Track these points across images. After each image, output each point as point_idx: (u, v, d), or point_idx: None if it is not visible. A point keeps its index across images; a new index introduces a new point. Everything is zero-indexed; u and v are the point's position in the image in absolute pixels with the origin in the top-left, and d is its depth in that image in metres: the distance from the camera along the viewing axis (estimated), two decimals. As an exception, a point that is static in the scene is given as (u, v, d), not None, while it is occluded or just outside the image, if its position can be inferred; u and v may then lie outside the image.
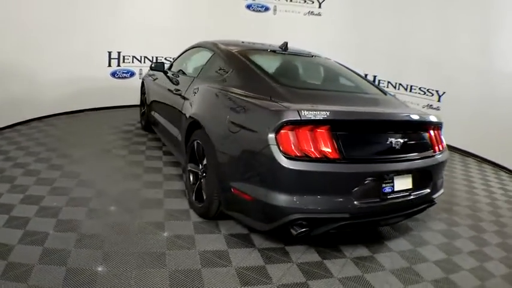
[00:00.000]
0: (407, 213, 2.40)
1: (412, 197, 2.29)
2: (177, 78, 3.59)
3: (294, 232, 2.04)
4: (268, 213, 2.06)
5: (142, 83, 4.85)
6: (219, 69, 2.91)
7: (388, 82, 5.82)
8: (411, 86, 5.63)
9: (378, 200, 2.14)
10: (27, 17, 4.28)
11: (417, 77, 5.53)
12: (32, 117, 4.68)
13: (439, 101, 5.34)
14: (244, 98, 2.30)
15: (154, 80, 4.24)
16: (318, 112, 1.96)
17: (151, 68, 4.05)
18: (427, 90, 5.46)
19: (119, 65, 5.55)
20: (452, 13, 5.07)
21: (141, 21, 5.41)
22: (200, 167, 2.62)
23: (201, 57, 3.38)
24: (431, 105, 5.35)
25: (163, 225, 2.42)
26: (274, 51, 3.17)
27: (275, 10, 6.06)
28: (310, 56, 3.36)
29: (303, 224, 2.03)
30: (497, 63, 4.73)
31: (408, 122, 2.30)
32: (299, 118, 1.94)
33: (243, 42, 3.53)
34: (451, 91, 5.21)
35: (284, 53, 3.22)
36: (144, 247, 2.15)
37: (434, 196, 2.46)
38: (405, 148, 2.22)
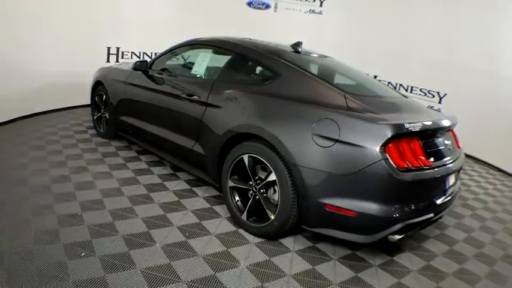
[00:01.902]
0: None
1: (453, 189, 2.54)
2: (175, 80, 3.18)
3: (394, 238, 2.05)
4: (375, 226, 2.06)
5: (98, 83, 4.09)
6: (255, 74, 2.66)
7: (389, 82, 5.72)
8: (412, 87, 5.53)
9: (444, 196, 2.34)
10: (22, 11, 4.20)
11: (418, 78, 5.44)
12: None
13: (440, 102, 5.25)
14: (331, 110, 2.15)
15: (126, 80, 3.61)
16: (414, 124, 2.07)
17: (135, 68, 3.43)
18: (428, 91, 5.37)
19: (117, 61, 5.49)
20: (455, 14, 5.02)
21: (140, 17, 5.39)
22: (252, 183, 2.41)
23: (212, 57, 3.02)
24: (432, 106, 5.20)
25: (229, 255, 2.19)
26: (298, 52, 2.93)
27: (276, 7, 6.02)
28: (325, 57, 3.19)
29: (402, 230, 2.07)
30: (499, 65, 4.67)
31: (450, 126, 2.46)
32: (404, 131, 2.00)
33: (250, 39, 3.25)
34: (453, 93, 5.11)
35: (309, 55, 3.00)
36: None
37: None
38: (451, 148, 2.46)
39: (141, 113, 3.50)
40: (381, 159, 1.95)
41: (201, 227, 2.49)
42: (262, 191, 2.38)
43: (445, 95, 5.22)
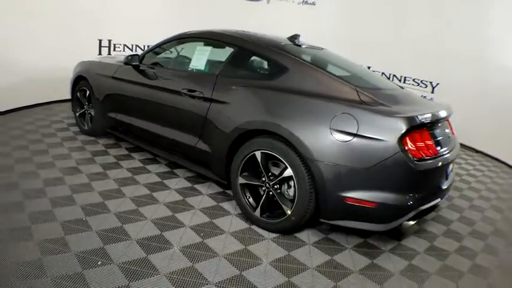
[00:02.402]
0: None
1: (452, 174, 2.68)
2: (171, 75, 3.06)
3: (408, 224, 2.15)
4: (393, 215, 2.14)
5: (79, 78, 3.84)
6: (261, 68, 2.61)
7: (382, 73, 5.77)
8: (405, 78, 5.62)
9: (447, 181, 2.48)
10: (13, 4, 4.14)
11: (411, 68, 5.54)
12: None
13: (432, 92, 5.36)
14: (348, 104, 2.15)
15: (115, 74, 3.42)
16: (425, 116, 2.17)
17: (126, 62, 3.24)
18: (421, 81, 5.48)
19: (109, 54, 5.39)
20: (446, 4, 5.11)
21: (133, 9, 5.31)
22: (265, 179, 2.39)
23: (211, 51, 2.90)
24: (424, 96, 5.27)
25: (249, 253, 2.18)
26: (299, 45, 2.88)
27: None
28: (321, 49, 3.16)
29: (415, 216, 2.18)
30: (490, 54, 4.77)
31: (449, 115, 2.52)
32: (417, 123, 2.09)
33: (243, 31, 3.14)
34: (445, 82, 5.23)
35: (309, 48, 2.96)
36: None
37: None
38: (450, 136, 2.58)
39: (133, 109, 3.34)
40: (399, 151, 2.01)
41: (213, 226, 2.44)
42: (276, 186, 2.38)
43: (438, 84, 5.32)
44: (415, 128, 2.09)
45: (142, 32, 5.54)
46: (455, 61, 5.05)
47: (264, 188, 2.43)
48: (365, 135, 2.05)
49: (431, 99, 5.21)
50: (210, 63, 2.97)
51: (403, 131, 2.02)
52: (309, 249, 2.29)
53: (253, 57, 2.77)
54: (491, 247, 2.59)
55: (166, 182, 3.06)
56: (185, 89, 2.82)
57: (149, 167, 3.33)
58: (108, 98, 3.58)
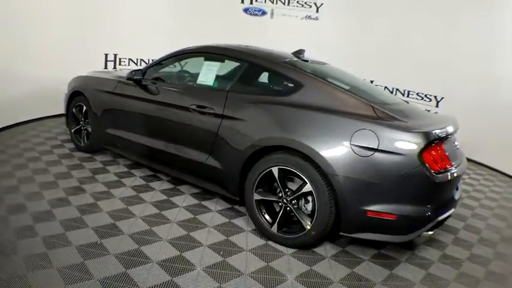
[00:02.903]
0: None
1: (460, 185, 2.79)
2: (178, 90, 3.05)
3: (427, 235, 2.27)
4: (412, 226, 2.22)
5: (75, 93, 3.73)
6: (274, 84, 2.64)
7: (385, 87, 5.71)
8: (408, 91, 5.58)
9: (458, 191, 2.62)
10: (15, 16, 4.18)
11: (415, 82, 5.51)
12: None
13: (437, 106, 5.31)
14: (368, 120, 2.21)
15: (115, 90, 3.35)
16: (440, 130, 2.28)
17: (130, 78, 3.19)
18: (425, 95, 5.43)
19: (114, 68, 5.49)
20: (451, 18, 5.10)
21: (138, 24, 5.44)
22: (282, 194, 2.41)
23: (220, 67, 2.90)
24: (429, 110, 5.04)
25: (272, 270, 2.18)
26: (306, 60, 2.95)
27: (272, 14, 5.99)
28: (323, 63, 3.23)
29: (433, 226, 2.27)
30: (496, 69, 4.71)
31: (456, 129, 2.59)
32: (435, 137, 2.20)
33: (247, 46, 3.16)
34: (450, 96, 5.18)
35: (316, 64, 3.00)
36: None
37: None
38: (458, 148, 2.68)
39: (135, 125, 3.28)
40: (419, 165, 2.09)
41: (231, 244, 2.42)
42: (293, 201, 2.39)
43: (442, 98, 5.29)
44: (432, 142, 2.18)
45: (147, 46, 5.61)
46: (460, 75, 4.99)
47: (280, 204, 2.45)
48: (386, 150, 2.12)
49: (435, 113, 5.12)
50: (218, 78, 2.98)
51: (423, 146, 2.11)
52: (328, 262, 2.32)
53: (265, 73, 2.80)
54: (502, 254, 2.68)
55: (173, 199, 3.01)
56: (194, 105, 2.80)
57: (152, 184, 3.27)
58: (106, 113, 3.50)
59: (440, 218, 2.28)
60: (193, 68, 3.22)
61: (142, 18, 5.52)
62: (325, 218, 2.26)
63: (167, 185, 3.28)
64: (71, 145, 4.00)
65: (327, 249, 2.46)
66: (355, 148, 2.16)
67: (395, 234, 2.23)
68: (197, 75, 3.07)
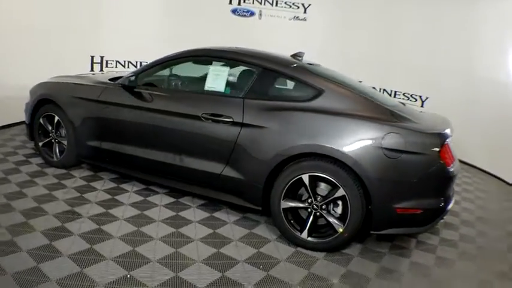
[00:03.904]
0: None
1: None
2: (180, 97, 2.85)
3: (441, 221, 2.49)
4: (433, 217, 2.43)
5: (43, 101, 3.25)
6: (291, 90, 2.61)
7: (373, 87, 5.47)
8: (395, 92, 5.69)
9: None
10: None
11: (401, 83, 5.58)
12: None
13: (422, 106, 5.42)
14: (394, 124, 2.34)
15: (99, 97, 3.00)
16: (449, 130, 2.50)
17: (127, 85, 2.84)
18: (411, 95, 5.56)
19: (101, 70, 5.35)
20: (435, 20, 5.25)
21: (125, 26, 5.30)
22: (312, 200, 2.44)
23: (228, 72, 2.76)
24: (421, 111, 5.02)
25: (317, 276, 2.20)
26: (311, 64, 2.96)
27: (260, 15, 5.84)
28: (318, 65, 3.19)
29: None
30: (478, 69, 4.87)
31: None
32: (448, 136, 2.43)
33: (237, 48, 3.05)
34: (434, 96, 5.31)
35: (315, 65, 3.02)
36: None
37: None
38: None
39: (129, 136, 2.98)
40: (439, 162, 2.30)
41: (265, 256, 2.37)
42: (323, 207, 2.43)
43: (427, 98, 5.46)
44: (445, 140, 2.40)
45: (135, 48, 5.44)
46: (444, 75, 5.16)
47: (309, 210, 2.47)
48: (411, 151, 2.28)
49: (420, 112, 5.16)
50: (229, 84, 2.82)
51: (441, 145, 2.31)
52: (358, 260, 2.42)
53: (280, 79, 2.74)
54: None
55: (182, 214, 2.82)
56: (206, 114, 2.64)
57: (151, 199, 3.02)
58: (88, 124, 3.10)
59: (449, 207, 2.53)
60: (192, 72, 3.02)
61: (129, 20, 5.36)
62: (357, 220, 2.35)
63: (167, 199, 3.05)
64: (37, 160, 3.50)
65: (351, 249, 2.55)
66: (385, 151, 2.27)
67: (419, 226, 2.43)
68: (200, 80, 2.89)
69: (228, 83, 2.81)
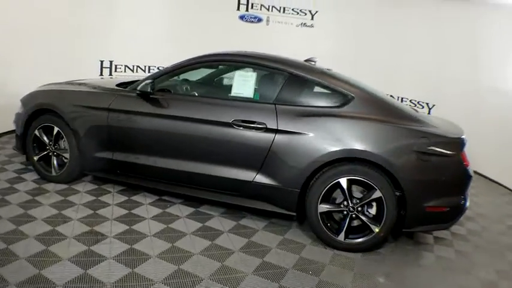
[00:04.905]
0: None
1: None
2: (206, 104, 2.72)
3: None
4: (457, 214, 2.58)
5: (39, 112, 2.95)
6: (321, 95, 2.65)
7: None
8: (402, 98, 5.71)
9: None
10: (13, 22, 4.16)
11: (408, 89, 5.62)
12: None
13: (429, 113, 5.44)
14: (424, 128, 2.48)
15: (110, 105, 2.80)
16: (465, 134, 2.65)
17: (143, 92, 2.64)
18: (418, 102, 5.60)
19: (110, 74, 5.42)
20: (443, 27, 5.30)
21: (134, 31, 5.36)
22: (348, 203, 2.50)
23: (256, 78, 2.71)
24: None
25: (365, 275, 2.31)
26: (329, 69, 2.99)
27: (268, 21, 5.82)
28: (329, 70, 3.16)
29: None
30: (486, 78, 4.94)
31: None
32: (466, 140, 2.58)
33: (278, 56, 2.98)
34: (441, 104, 5.34)
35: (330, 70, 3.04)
36: None
37: None
38: None
39: (149, 146, 2.81)
40: (462, 163, 2.49)
41: (308, 261, 2.39)
42: (359, 209, 2.50)
43: (434, 105, 5.51)
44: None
45: (143, 52, 5.50)
46: (452, 83, 5.21)
47: (345, 212, 2.52)
48: (439, 153, 2.43)
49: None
50: (259, 90, 2.77)
51: (463, 147, 2.50)
52: (392, 259, 2.54)
53: (309, 85, 2.74)
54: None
55: (209, 224, 2.73)
56: (238, 120, 2.58)
57: (170, 210, 2.88)
58: (97, 135, 2.87)
59: (467, 205, 2.72)
60: (212, 77, 2.90)
61: (138, 25, 5.40)
62: (392, 219, 2.47)
63: (187, 209, 2.93)
64: (31, 175, 3.16)
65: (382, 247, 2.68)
66: (418, 154, 2.40)
67: (444, 222, 2.59)
68: (222, 85, 2.80)
69: (258, 89, 2.77)
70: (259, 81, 2.80)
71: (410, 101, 5.79)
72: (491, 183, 4.81)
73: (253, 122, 2.58)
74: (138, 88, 2.74)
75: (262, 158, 2.59)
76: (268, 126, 2.55)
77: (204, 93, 3.13)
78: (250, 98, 2.73)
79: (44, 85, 3.24)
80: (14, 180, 3.06)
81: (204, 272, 2.15)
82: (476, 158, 4.91)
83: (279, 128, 2.54)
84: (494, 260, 2.72)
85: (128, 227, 2.55)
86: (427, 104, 5.65)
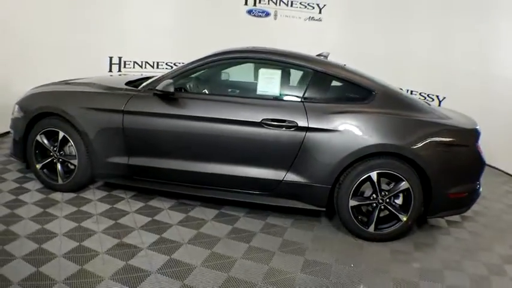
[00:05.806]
0: None
1: None
2: (232, 103, 2.64)
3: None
4: (474, 199, 2.79)
5: (41, 115, 2.70)
6: (345, 92, 2.67)
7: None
8: (412, 91, 5.55)
9: None
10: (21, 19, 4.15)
11: (418, 82, 5.51)
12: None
13: (439, 105, 5.30)
14: (443, 121, 2.61)
15: (125, 107, 2.61)
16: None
17: (164, 92, 2.46)
18: (428, 95, 5.48)
19: (119, 71, 5.43)
20: (452, 20, 5.19)
21: (142, 27, 5.33)
22: (378, 196, 2.57)
23: (278, 74, 2.64)
24: None
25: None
26: (344, 64, 2.99)
27: (276, 15, 5.70)
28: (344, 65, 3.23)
29: None
30: (495, 69, 4.83)
31: None
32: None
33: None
34: (451, 96, 5.21)
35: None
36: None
37: None
38: None
39: (170, 149, 2.67)
40: (477, 152, 2.66)
41: (346, 254, 2.44)
42: (388, 200, 2.58)
43: (444, 98, 5.39)
44: None
45: (152, 48, 5.44)
46: (462, 75, 5.09)
47: (374, 204, 2.60)
48: (459, 143, 2.60)
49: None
50: (285, 88, 2.74)
51: (479, 137, 2.68)
52: (417, 244, 2.67)
53: (333, 81, 2.74)
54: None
55: (239, 226, 2.68)
56: (268, 119, 2.52)
57: (193, 214, 2.79)
58: (109, 139, 2.66)
59: (481, 190, 2.93)
60: (234, 75, 2.79)
61: (146, 21, 5.33)
62: (419, 208, 2.60)
63: (210, 211, 2.85)
64: (32, 184, 2.91)
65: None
66: (441, 145, 2.54)
67: (463, 207, 2.78)
68: (244, 84, 2.71)
69: (284, 87, 2.72)
70: (283, 78, 2.76)
71: (420, 93, 5.63)
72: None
73: (284, 121, 2.54)
74: (159, 88, 2.57)
75: (292, 156, 2.58)
76: (299, 125, 2.53)
77: (228, 92, 3.02)
78: (275, 96, 2.69)
79: (39, 86, 2.92)
80: (16, 191, 2.78)
81: (256, 278, 2.11)
82: (490, 152, 4.31)
83: (309, 126, 2.54)
84: (506, 236, 2.97)
85: (158, 236, 2.43)
86: (437, 96, 5.52)
